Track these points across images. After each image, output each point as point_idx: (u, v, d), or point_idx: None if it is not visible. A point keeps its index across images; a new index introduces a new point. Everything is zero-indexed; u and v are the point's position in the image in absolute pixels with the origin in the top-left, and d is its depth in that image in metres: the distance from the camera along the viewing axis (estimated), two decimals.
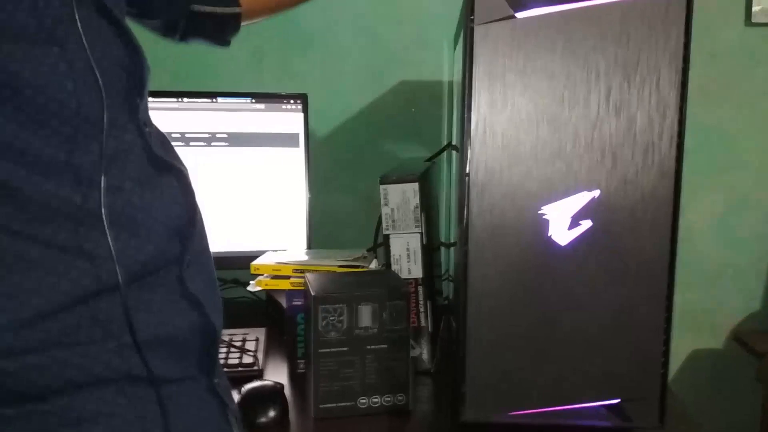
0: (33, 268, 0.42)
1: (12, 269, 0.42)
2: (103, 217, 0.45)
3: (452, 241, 1.24)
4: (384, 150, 1.36)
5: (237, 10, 0.76)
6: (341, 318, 0.81)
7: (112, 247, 0.45)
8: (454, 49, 1.14)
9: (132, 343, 0.46)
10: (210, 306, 0.53)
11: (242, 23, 0.78)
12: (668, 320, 0.75)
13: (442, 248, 1.27)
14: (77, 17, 0.45)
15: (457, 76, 1.06)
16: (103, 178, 0.45)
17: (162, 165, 0.52)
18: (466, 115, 0.73)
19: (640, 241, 0.74)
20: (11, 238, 0.42)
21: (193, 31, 0.76)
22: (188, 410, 0.50)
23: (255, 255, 1.05)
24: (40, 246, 0.43)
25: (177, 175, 0.53)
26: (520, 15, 0.71)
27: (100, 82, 0.46)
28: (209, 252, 0.57)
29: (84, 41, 0.45)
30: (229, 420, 0.55)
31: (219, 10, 0.75)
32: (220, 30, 0.78)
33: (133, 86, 0.50)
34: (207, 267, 0.56)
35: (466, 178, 0.73)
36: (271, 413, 0.81)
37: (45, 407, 0.43)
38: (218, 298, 0.56)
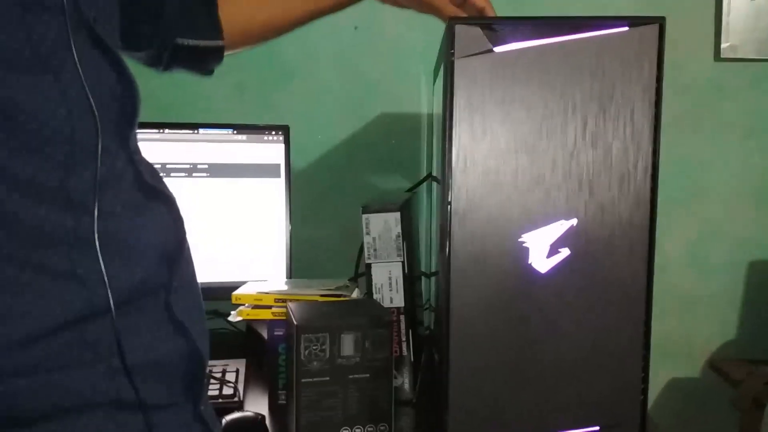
0: (24, 292, 0.42)
1: (3, 292, 0.42)
2: (96, 241, 0.45)
3: (432, 271, 1.25)
4: (364, 181, 1.38)
5: (220, 43, 0.78)
6: (324, 347, 0.81)
7: (104, 271, 0.45)
8: (434, 82, 1.17)
9: (121, 367, 0.46)
10: (197, 332, 0.53)
11: (225, 53, 0.80)
12: (647, 346, 0.76)
13: (423, 278, 1.27)
14: (73, 47, 0.46)
15: (436, 109, 1.08)
16: (96, 203, 0.46)
17: (151, 192, 0.52)
18: (447, 145, 0.74)
19: (618, 268, 0.76)
20: (2, 262, 0.42)
21: (177, 61, 0.77)
22: None
23: (235, 286, 1.05)
24: (32, 270, 0.43)
25: (166, 201, 0.54)
26: (498, 49, 0.73)
27: (95, 109, 0.46)
28: (196, 279, 0.57)
29: (79, 70, 0.46)
30: None
31: (203, 43, 0.77)
32: (203, 61, 0.79)
33: (125, 115, 0.51)
34: (194, 293, 0.56)
35: (448, 206, 0.74)
36: None
37: None
38: (205, 324, 0.56)
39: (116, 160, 0.50)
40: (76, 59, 0.46)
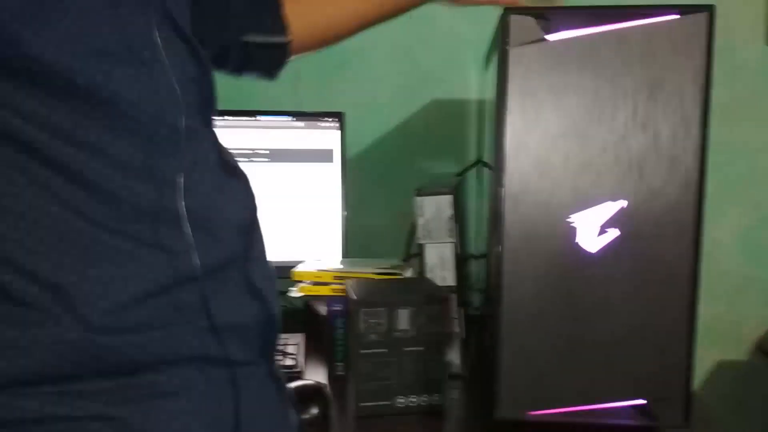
0: (126, 260, 0.48)
1: (110, 261, 0.47)
2: (184, 216, 0.51)
3: (482, 253, 1.29)
4: (415, 166, 1.42)
5: (286, 39, 0.80)
6: (381, 321, 0.86)
7: (193, 243, 0.51)
8: (485, 69, 1.20)
9: (207, 328, 0.52)
10: (271, 298, 0.58)
11: (291, 55, 0.82)
12: (692, 323, 0.79)
13: (472, 260, 1.31)
14: (158, 40, 0.51)
15: (488, 95, 1.11)
16: (183, 182, 0.51)
17: (230, 170, 0.58)
18: (500, 131, 0.78)
19: (666, 249, 0.78)
20: (109, 233, 0.48)
21: (244, 62, 0.80)
22: (254, 391, 0.56)
23: (291, 266, 1.10)
24: (131, 241, 0.49)
25: (241, 178, 0.59)
26: (551, 38, 0.76)
27: (180, 98, 0.52)
28: (266, 249, 0.63)
29: (165, 61, 0.51)
30: (286, 402, 0.60)
31: (270, 39, 0.79)
32: (269, 61, 0.82)
33: (205, 98, 0.56)
34: (267, 263, 0.61)
35: (501, 189, 0.78)
36: (314, 410, 0.86)
37: (136, 381, 0.48)
38: (276, 291, 0.61)
39: (200, 140, 0.55)
40: (161, 48, 0.51)
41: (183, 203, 0.51)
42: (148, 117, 0.50)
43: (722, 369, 1.44)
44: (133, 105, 0.49)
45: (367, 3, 0.85)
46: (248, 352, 0.57)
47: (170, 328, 0.50)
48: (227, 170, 0.58)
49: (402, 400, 0.88)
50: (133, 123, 0.49)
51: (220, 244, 0.55)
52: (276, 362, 0.61)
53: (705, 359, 1.43)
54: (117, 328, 0.47)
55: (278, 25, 0.80)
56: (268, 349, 0.60)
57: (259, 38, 0.79)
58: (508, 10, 0.77)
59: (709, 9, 0.75)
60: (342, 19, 0.86)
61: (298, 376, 0.98)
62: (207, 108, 0.57)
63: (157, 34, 0.51)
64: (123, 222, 0.48)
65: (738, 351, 1.44)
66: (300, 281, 1.04)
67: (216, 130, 0.60)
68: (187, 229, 0.51)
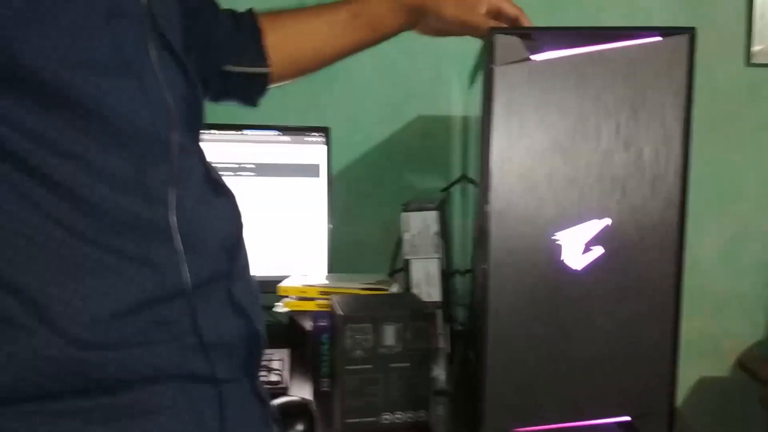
0: (107, 274, 0.47)
1: (91, 274, 0.47)
2: (172, 231, 0.51)
3: (467, 268, 1.30)
4: (401, 180, 1.42)
5: (266, 69, 0.82)
6: (367, 337, 0.86)
7: (182, 258, 0.51)
8: (470, 86, 1.21)
9: (194, 344, 0.51)
10: (255, 315, 0.58)
11: (274, 84, 0.84)
12: (675, 340, 0.80)
13: (457, 275, 1.32)
14: (151, 51, 0.51)
15: (472, 112, 1.12)
16: (170, 196, 0.51)
17: (217, 187, 0.58)
18: (485, 148, 0.79)
19: (649, 267, 0.79)
20: (91, 246, 0.47)
21: (224, 91, 0.81)
22: (237, 408, 0.55)
23: (277, 280, 1.10)
24: (113, 254, 0.48)
25: (228, 196, 0.59)
26: (536, 57, 0.77)
27: (172, 111, 0.52)
28: (250, 268, 0.63)
29: (157, 73, 0.51)
30: (269, 419, 0.60)
31: (249, 69, 0.81)
32: (249, 89, 0.84)
33: (193, 114, 0.57)
34: (250, 281, 0.61)
35: (486, 205, 0.79)
36: (299, 427, 0.85)
37: (117, 398, 0.47)
38: (260, 309, 0.61)
39: (190, 157, 0.55)
40: (153, 63, 0.51)
41: (174, 217, 0.51)
42: (138, 130, 0.50)
43: (704, 385, 1.45)
44: (123, 117, 0.49)
45: (346, 35, 0.87)
46: (233, 369, 0.56)
47: (153, 345, 0.50)
48: (213, 187, 0.58)
49: (388, 417, 0.87)
50: (123, 135, 0.49)
51: (205, 260, 0.55)
52: (260, 379, 0.61)
53: (687, 375, 1.44)
54: (98, 344, 0.46)
55: (259, 56, 0.81)
56: (253, 366, 0.59)
57: (240, 68, 0.80)
58: (494, 30, 0.78)
59: (690, 31, 0.77)
60: (321, 51, 0.88)
61: (283, 392, 0.98)
62: (195, 124, 0.57)
63: (150, 48, 0.51)
64: (107, 235, 0.48)
65: (720, 367, 1.45)
66: (285, 296, 1.03)
67: (202, 144, 0.60)
68: (178, 243, 0.51)
